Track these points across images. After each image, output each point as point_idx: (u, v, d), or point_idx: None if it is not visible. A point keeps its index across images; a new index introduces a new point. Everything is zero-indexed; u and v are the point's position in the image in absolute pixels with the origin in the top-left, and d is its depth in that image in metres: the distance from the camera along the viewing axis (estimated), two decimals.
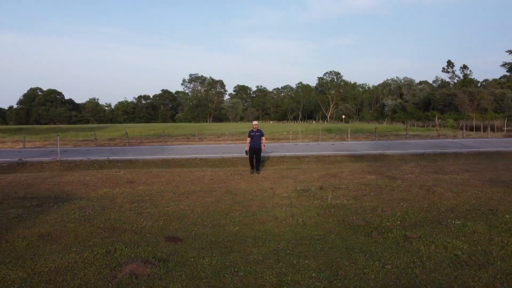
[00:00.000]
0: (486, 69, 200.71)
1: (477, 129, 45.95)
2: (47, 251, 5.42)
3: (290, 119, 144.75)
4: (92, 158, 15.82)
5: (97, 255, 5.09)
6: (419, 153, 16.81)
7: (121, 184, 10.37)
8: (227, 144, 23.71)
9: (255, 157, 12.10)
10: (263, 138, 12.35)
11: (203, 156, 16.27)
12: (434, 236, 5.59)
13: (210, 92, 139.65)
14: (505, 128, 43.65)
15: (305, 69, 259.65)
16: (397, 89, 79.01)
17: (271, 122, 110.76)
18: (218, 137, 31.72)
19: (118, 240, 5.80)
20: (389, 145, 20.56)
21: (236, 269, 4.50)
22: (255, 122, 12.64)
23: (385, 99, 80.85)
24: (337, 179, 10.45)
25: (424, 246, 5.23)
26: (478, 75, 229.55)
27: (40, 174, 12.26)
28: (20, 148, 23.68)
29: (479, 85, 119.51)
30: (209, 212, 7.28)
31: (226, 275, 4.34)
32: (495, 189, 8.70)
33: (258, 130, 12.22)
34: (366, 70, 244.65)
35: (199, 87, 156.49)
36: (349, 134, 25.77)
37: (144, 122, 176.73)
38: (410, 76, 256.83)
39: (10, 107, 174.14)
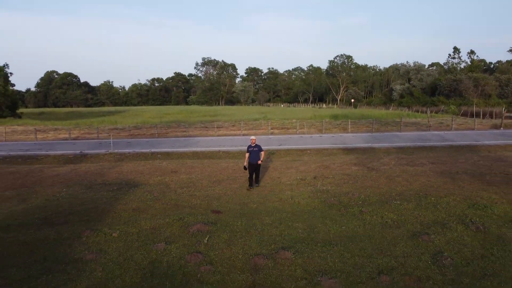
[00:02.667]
0: (503, 49, 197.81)
1: (477, 115, 48.32)
2: (142, 218, 9.02)
3: (301, 102, 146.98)
4: (137, 150, 19.38)
5: (173, 220, 8.66)
6: (402, 147, 19.95)
7: (167, 173, 13.98)
8: (242, 136, 27.10)
9: (255, 172, 11.82)
10: (262, 153, 12.05)
11: (225, 149, 19.74)
12: (378, 211, 9.01)
13: (222, 75, 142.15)
14: (504, 115, 45.97)
15: (316, 50, 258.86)
16: (405, 73, 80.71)
17: (282, 105, 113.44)
18: (233, 125, 35.16)
19: (182, 212, 9.37)
20: (381, 138, 23.60)
21: (256, 228, 8.04)
22: (252, 137, 12.11)
23: (394, 83, 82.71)
24: (328, 170, 13.86)
25: (369, 217, 8.67)
26: (494, 56, 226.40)
27: (102, 164, 15.93)
28: (66, 136, 27.51)
29: (491, 66, 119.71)
30: (236, 195, 10.80)
31: (251, 231, 7.87)
32: (440, 179, 12.01)
33: (256, 145, 11.80)
34: (378, 51, 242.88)
35: (211, 70, 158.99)
36: (349, 125, 28.81)
37: (157, 104, 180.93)
38: (423, 56, 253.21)
39: (28, 90, 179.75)
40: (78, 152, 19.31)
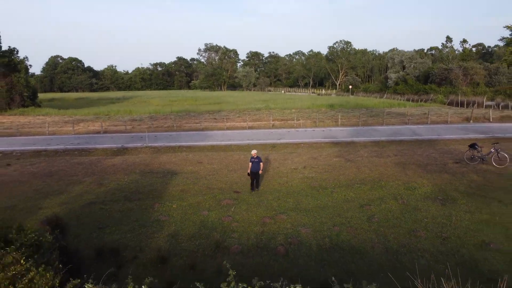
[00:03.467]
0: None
1: (462, 104, 52.62)
2: (188, 196, 13.68)
3: (301, 86, 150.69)
4: (166, 144, 23.93)
5: (209, 198, 13.34)
6: (377, 141, 24.39)
7: (195, 163, 18.62)
8: (248, 130, 31.62)
9: (255, 179, 14.19)
10: (261, 164, 14.24)
11: (235, 143, 24.29)
12: (344, 191, 13.66)
13: (224, 60, 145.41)
14: (484, 104, 50.24)
15: (316, 32, 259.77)
16: (400, 62, 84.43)
17: (283, 91, 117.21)
18: (239, 116, 39.68)
19: (213, 192, 14.03)
20: (363, 132, 27.88)
21: (263, 202, 12.72)
22: (254, 151, 14.50)
23: (389, 71, 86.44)
24: (315, 161, 18.49)
25: (337, 195, 13.32)
26: (494, 38, 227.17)
27: (143, 156, 20.58)
28: (97, 129, 32.08)
29: (490, 50, 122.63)
30: (248, 180, 15.40)
31: (260, 203, 12.56)
32: (395, 168, 16.63)
33: (257, 157, 14.19)
34: (377, 35, 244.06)
35: (213, 55, 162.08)
36: (339, 119, 33.25)
37: (160, 88, 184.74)
38: (423, 40, 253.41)
39: (32, 75, 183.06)
40: (119, 145, 23.86)
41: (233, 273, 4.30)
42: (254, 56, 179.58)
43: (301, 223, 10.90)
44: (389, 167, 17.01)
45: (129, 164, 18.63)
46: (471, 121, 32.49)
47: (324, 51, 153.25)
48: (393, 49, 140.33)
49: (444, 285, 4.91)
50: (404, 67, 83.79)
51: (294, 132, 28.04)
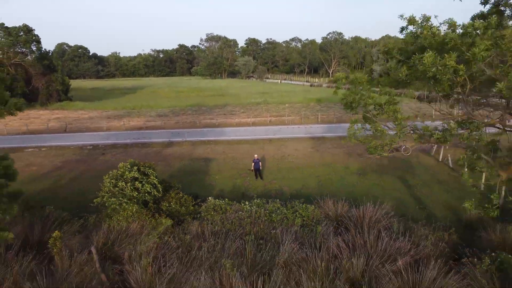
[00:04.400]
0: None
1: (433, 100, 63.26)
2: (222, 172, 24.90)
3: (297, 73, 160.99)
4: (198, 139, 34.78)
5: (235, 173, 24.65)
6: (340, 136, 35.41)
7: (220, 153, 29.65)
8: (252, 126, 42.76)
9: (258, 173, 23.20)
10: (260, 163, 23.41)
11: (244, 138, 35.02)
12: (310, 169, 24.88)
13: (224, 50, 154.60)
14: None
15: (312, 17, 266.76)
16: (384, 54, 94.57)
17: (279, 81, 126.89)
18: (243, 112, 50.61)
19: (236, 170, 25.20)
20: (333, 129, 38.40)
21: (266, 175, 23.94)
22: (255, 155, 23.84)
23: (374, 64, 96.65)
24: (296, 151, 29.55)
25: (306, 171, 24.55)
26: None
27: (186, 148, 31.54)
28: (139, 125, 43.01)
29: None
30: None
31: (264, 175, 23.77)
32: (344, 156, 27.77)
33: (258, 159, 23.27)
34: (372, 20, 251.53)
35: (213, 43, 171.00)
36: (318, 118, 44.21)
37: (163, 75, 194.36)
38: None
39: None
40: (167, 140, 34.75)
41: (255, 196, 15.46)
42: (252, 42, 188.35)
43: (284, 185, 22.12)
44: (340, 155, 28.17)
45: (180, 154, 29.68)
46: (419, 118, 43.43)
47: (320, 35, 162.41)
48: (385, 35, 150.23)
49: (329, 202, 16.22)
50: (387, 60, 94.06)
51: (285, 128, 39.02)
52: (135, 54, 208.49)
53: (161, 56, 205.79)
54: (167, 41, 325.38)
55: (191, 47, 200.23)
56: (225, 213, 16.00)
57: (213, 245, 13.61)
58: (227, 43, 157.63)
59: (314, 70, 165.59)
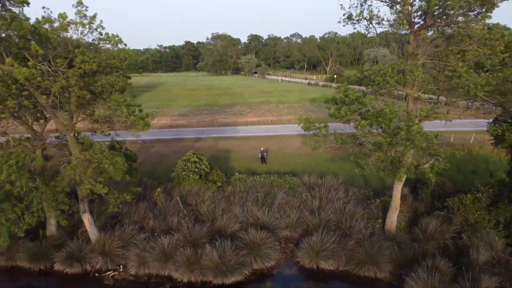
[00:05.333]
0: None
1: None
2: (240, 160, 36.80)
3: (297, 69, 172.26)
4: (219, 135, 46.39)
5: (251, 161, 36.54)
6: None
7: (237, 146, 41.42)
8: (257, 125, 54.62)
9: (264, 160, 35.50)
10: (265, 153, 35.56)
11: (253, 135, 46.49)
12: (297, 157, 36.76)
13: (228, 48, 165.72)
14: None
15: (316, 13, 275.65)
16: (374, 58, 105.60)
17: (280, 78, 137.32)
18: (249, 112, 62.23)
19: (249, 158, 37.10)
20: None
21: (271, 161, 35.87)
22: (262, 148, 36.54)
23: (364, 66, 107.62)
24: (289, 146, 41.29)
25: (295, 159, 36.45)
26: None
27: (210, 142, 43.24)
28: (169, 123, 54.86)
29: None
30: (271, 152, 38.33)
31: (269, 162, 35.69)
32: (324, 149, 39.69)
33: (263, 150, 34.96)
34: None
35: (218, 40, 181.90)
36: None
37: (170, 71, 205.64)
38: None
39: None
40: (195, 136, 46.50)
41: (262, 173, 27.49)
42: (254, 38, 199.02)
43: (280, 167, 33.99)
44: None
45: (207, 147, 41.47)
46: None
47: (320, 31, 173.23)
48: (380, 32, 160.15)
49: (306, 175, 28.27)
50: (377, 61, 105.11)
51: (283, 127, 50.83)
52: (141, 49, 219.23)
53: (167, 51, 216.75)
54: (171, 36, 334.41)
55: (197, 43, 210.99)
56: (245, 182, 27.98)
57: (240, 197, 25.69)
58: (232, 42, 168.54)
59: (313, 66, 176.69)
